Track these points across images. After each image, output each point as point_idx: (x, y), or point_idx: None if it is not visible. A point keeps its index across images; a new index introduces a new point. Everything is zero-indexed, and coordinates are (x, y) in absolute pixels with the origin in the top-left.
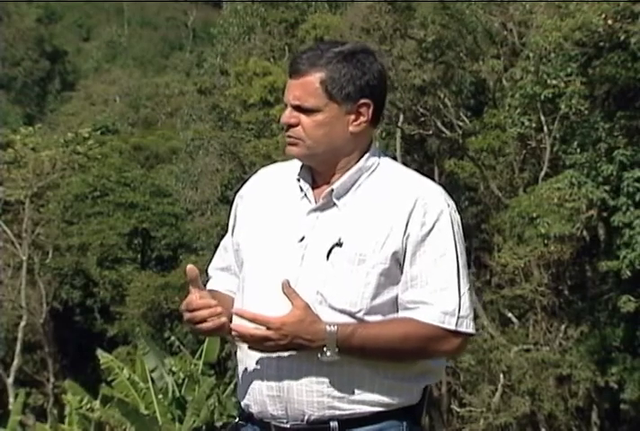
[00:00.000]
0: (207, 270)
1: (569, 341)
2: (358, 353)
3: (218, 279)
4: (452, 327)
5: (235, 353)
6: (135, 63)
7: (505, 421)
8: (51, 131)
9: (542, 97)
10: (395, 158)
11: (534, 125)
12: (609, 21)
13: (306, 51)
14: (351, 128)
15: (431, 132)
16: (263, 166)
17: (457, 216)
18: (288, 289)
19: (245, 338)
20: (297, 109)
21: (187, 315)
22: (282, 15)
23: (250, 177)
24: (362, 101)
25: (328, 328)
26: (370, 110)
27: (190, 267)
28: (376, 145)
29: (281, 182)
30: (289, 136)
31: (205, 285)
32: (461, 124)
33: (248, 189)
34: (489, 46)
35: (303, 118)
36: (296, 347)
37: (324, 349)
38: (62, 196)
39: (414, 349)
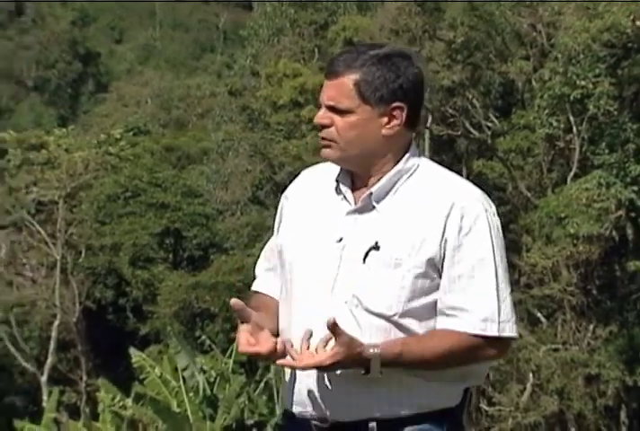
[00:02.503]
0: (239, 290)
1: (598, 341)
2: (403, 367)
3: (264, 280)
4: (494, 333)
5: None
6: (167, 65)
7: (534, 420)
8: (84, 132)
9: (571, 98)
10: None
11: (562, 125)
12: (638, 23)
13: (344, 53)
14: (383, 131)
15: (459, 133)
16: (293, 167)
17: (495, 220)
18: (333, 326)
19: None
20: (331, 109)
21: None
22: (312, 17)
23: (295, 177)
24: (395, 104)
25: (372, 351)
26: (404, 114)
27: (233, 301)
28: (415, 147)
29: (324, 184)
30: (323, 139)
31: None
32: (490, 125)
33: (293, 189)
34: (518, 47)
35: (336, 119)
36: (345, 369)
37: (370, 371)
38: (95, 196)
39: (459, 360)
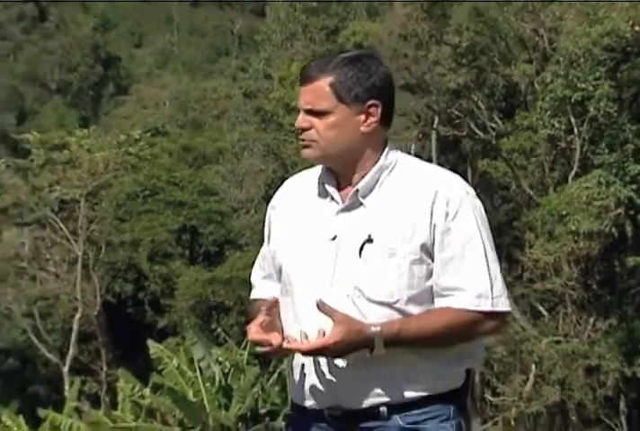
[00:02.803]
0: (250, 277)
1: (598, 333)
2: (404, 346)
3: (263, 288)
4: (488, 308)
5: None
6: (184, 68)
7: (536, 410)
8: (105, 133)
9: (572, 100)
10: (430, 158)
11: (564, 127)
12: (637, 28)
13: (315, 60)
14: (362, 129)
15: (464, 133)
16: (304, 166)
17: (478, 202)
18: (323, 307)
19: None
20: (310, 112)
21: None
22: (323, 22)
23: (278, 188)
24: (370, 101)
25: (373, 329)
26: (379, 110)
27: (255, 293)
28: (389, 144)
29: (308, 188)
30: (303, 140)
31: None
32: (494, 126)
33: (278, 199)
34: (521, 51)
35: (315, 121)
36: (350, 352)
37: (374, 351)
38: (115, 195)
39: (458, 335)
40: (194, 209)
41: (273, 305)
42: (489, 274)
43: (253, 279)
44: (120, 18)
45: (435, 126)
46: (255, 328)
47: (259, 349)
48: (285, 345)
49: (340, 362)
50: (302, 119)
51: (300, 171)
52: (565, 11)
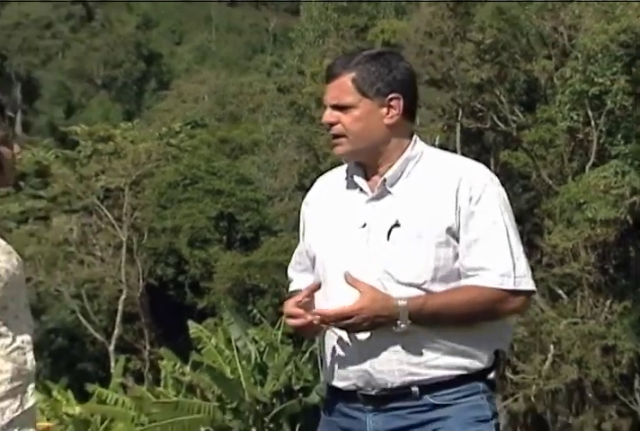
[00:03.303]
0: (287, 268)
1: (614, 315)
2: (429, 322)
3: (300, 281)
4: (511, 287)
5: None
6: (222, 64)
7: (555, 387)
8: (148, 126)
9: (589, 94)
10: (455, 149)
11: (582, 119)
12: None
13: (339, 58)
14: (385, 121)
15: (487, 126)
16: (335, 157)
17: (500, 188)
18: (350, 278)
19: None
20: (336, 108)
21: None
22: (353, 21)
23: (311, 186)
24: (392, 95)
25: (400, 302)
26: (401, 103)
27: (305, 288)
28: (416, 137)
29: (338, 182)
30: (334, 136)
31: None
32: (515, 118)
33: (311, 195)
34: (541, 47)
35: (341, 115)
36: (377, 324)
37: (398, 322)
38: (157, 183)
39: (482, 312)
40: (231, 197)
41: (315, 287)
42: (512, 255)
43: (290, 274)
44: (161, 17)
45: (459, 118)
46: (293, 302)
47: (291, 321)
48: (313, 311)
49: (362, 335)
50: (329, 114)
51: (331, 161)
52: (584, 9)
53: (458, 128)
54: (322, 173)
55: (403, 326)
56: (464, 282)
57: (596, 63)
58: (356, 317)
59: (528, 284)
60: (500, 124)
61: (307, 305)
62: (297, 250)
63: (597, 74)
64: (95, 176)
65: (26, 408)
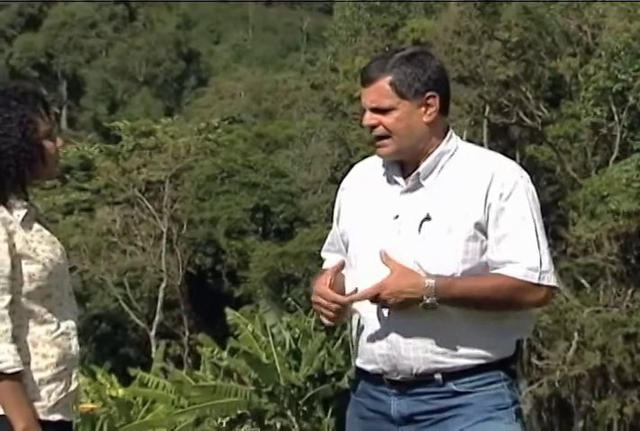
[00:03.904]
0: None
1: (635, 304)
2: (454, 301)
3: (332, 261)
4: (535, 280)
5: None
6: (258, 62)
7: (579, 373)
8: (187, 121)
9: (613, 90)
10: (482, 144)
11: (605, 114)
12: None
13: (373, 61)
14: (424, 119)
15: (513, 121)
16: (367, 151)
17: (530, 186)
18: (384, 256)
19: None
20: (376, 111)
21: (313, 297)
22: (384, 20)
23: (348, 172)
24: (429, 93)
25: (427, 279)
26: (437, 101)
27: (332, 264)
28: (452, 132)
29: (374, 172)
30: (377, 138)
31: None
32: (540, 114)
33: (347, 181)
34: (566, 45)
35: (382, 118)
36: (405, 300)
37: (424, 297)
38: (196, 176)
39: (505, 299)
40: (267, 190)
41: (340, 266)
42: (539, 250)
43: (323, 254)
44: (200, 17)
45: (486, 114)
46: (323, 279)
47: (323, 320)
48: (339, 298)
49: (385, 311)
50: (369, 117)
51: (362, 154)
52: (607, 8)
53: (485, 124)
54: (353, 167)
55: (428, 301)
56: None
57: (619, 60)
58: (384, 292)
59: (550, 280)
60: (525, 119)
61: (337, 287)
62: (330, 232)
63: (620, 71)
64: (137, 169)
65: (70, 390)
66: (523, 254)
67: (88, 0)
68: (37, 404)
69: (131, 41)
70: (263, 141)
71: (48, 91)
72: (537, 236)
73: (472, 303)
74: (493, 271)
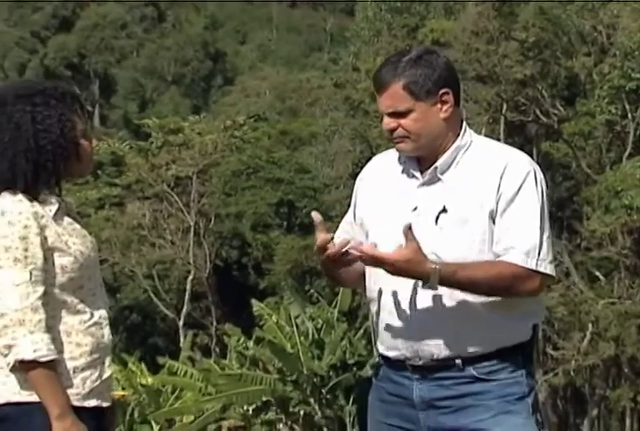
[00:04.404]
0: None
1: None
2: (456, 287)
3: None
4: (532, 267)
5: (367, 305)
6: (282, 62)
7: (593, 363)
8: (214, 119)
9: (627, 88)
10: (499, 140)
11: (619, 112)
12: None
13: (382, 68)
14: (442, 115)
15: (530, 119)
16: (387, 148)
17: (540, 177)
18: (406, 232)
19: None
20: (393, 115)
21: (321, 256)
22: (405, 21)
23: (367, 163)
24: (442, 91)
25: (432, 266)
26: (451, 96)
27: (314, 213)
28: (465, 126)
29: (393, 165)
30: (395, 138)
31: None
32: (556, 112)
33: (366, 172)
34: (581, 45)
35: (401, 121)
36: (406, 276)
37: (428, 282)
38: (222, 172)
39: (504, 286)
40: (291, 185)
41: (345, 243)
42: (540, 239)
43: (335, 240)
44: (226, 18)
45: (504, 112)
46: (321, 236)
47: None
48: (354, 245)
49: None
50: (388, 121)
51: (383, 151)
52: (622, 9)
53: (503, 121)
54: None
55: (430, 286)
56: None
57: (633, 59)
58: (389, 266)
59: (546, 268)
60: (542, 117)
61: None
62: (344, 220)
63: (634, 70)
64: (166, 165)
65: (104, 378)
66: (522, 240)
67: (119, 0)
68: (71, 391)
69: (160, 42)
70: (287, 138)
71: (80, 89)
72: (541, 226)
73: (471, 289)
74: (496, 258)
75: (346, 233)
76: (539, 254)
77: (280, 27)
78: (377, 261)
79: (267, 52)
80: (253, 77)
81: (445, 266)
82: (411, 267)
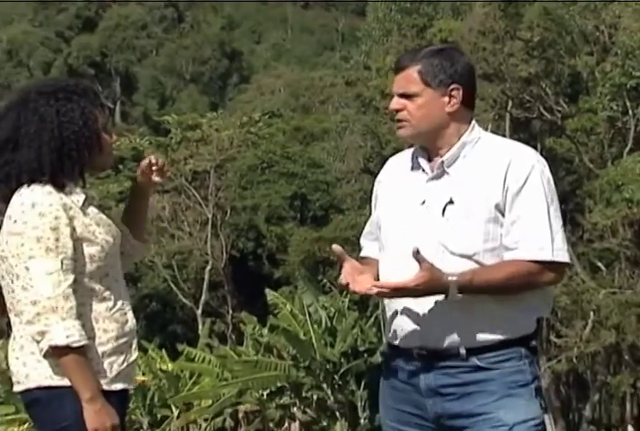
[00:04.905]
0: (353, 243)
1: None
2: (476, 293)
3: (370, 248)
4: (548, 258)
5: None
6: (295, 60)
7: (594, 350)
8: (230, 116)
9: (628, 86)
10: (504, 136)
11: (621, 109)
12: None
13: (407, 53)
14: (446, 109)
15: (534, 115)
16: (397, 143)
17: (546, 170)
18: (416, 255)
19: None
20: (402, 96)
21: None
22: (414, 21)
23: (380, 162)
24: (453, 86)
25: (451, 279)
26: (461, 93)
27: (334, 246)
28: (474, 123)
29: (405, 163)
30: (398, 120)
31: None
32: (560, 109)
33: (383, 174)
34: (584, 44)
35: (407, 103)
36: (428, 294)
37: (449, 295)
38: (238, 167)
39: (522, 284)
40: (304, 179)
41: (342, 254)
42: (551, 230)
43: (362, 242)
44: (242, 19)
45: (509, 109)
46: (347, 270)
47: (353, 289)
48: (376, 283)
49: (417, 303)
50: (395, 102)
51: (393, 146)
52: (623, 10)
53: (508, 118)
54: (384, 157)
55: (452, 297)
56: (506, 254)
57: (634, 58)
58: (411, 290)
59: (564, 256)
60: (546, 114)
61: (358, 269)
62: (369, 222)
63: (634, 69)
64: (184, 160)
65: (130, 361)
66: (534, 234)
67: (140, 2)
68: (100, 376)
69: (179, 41)
70: (301, 134)
71: (102, 87)
72: (549, 217)
73: (491, 291)
74: (508, 252)
75: (371, 234)
76: (553, 245)
77: (294, 27)
78: (399, 291)
79: (281, 51)
80: (268, 75)
81: (461, 276)
82: (432, 286)
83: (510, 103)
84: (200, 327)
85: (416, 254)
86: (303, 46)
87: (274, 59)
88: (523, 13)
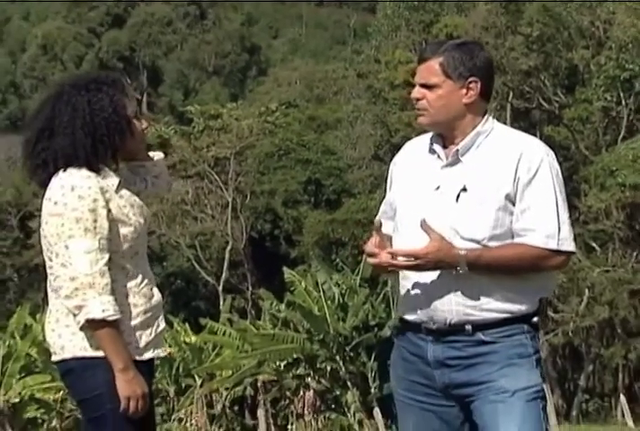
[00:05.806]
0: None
1: (639, 264)
2: (483, 270)
3: (386, 226)
4: (554, 247)
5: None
6: (310, 54)
7: (589, 324)
8: (249, 106)
9: (621, 78)
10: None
11: (614, 100)
12: None
13: (430, 44)
14: (464, 100)
15: (534, 105)
16: (405, 132)
17: (555, 163)
18: (424, 225)
19: (403, 269)
20: (423, 86)
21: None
22: (421, 17)
23: (400, 148)
24: (472, 78)
25: (460, 252)
26: (479, 86)
27: (377, 220)
28: (490, 115)
29: (421, 149)
30: (418, 109)
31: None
32: (557, 99)
33: (399, 157)
34: (580, 39)
35: (427, 93)
36: (439, 267)
37: (458, 268)
38: (257, 154)
39: (527, 266)
40: (318, 165)
41: (379, 228)
42: (558, 220)
43: (378, 218)
44: (261, 15)
45: (510, 99)
46: (371, 242)
47: (369, 260)
48: (388, 250)
49: (427, 278)
50: (417, 91)
51: (401, 135)
52: (617, 6)
53: (509, 108)
54: (393, 145)
55: (461, 271)
56: (516, 240)
57: (627, 52)
58: (422, 259)
59: (569, 246)
60: (544, 104)
61: (384, 246)
62: (384, 201)
63: (628, 62)
64: (206, 147)
65: (158, 331)
66: (543, 223)
67: (165, 1)
68: (131, 347)
69: (202, 37)
70: (315, 123)
71: (131, 80)
72: (557, 208)
73: (497, 270)
74: (517, 238)
75: (386, 213)
76: (560, 234)
77: (309, 23)
78: (412, 257)
79: (297, 46)
80: (285, 68)
81: (470, 251)
82: (443, 255)
83: (511, 94)
84: (222, 303)
85: (424, 224)
86: (317, 41)
87: (290, 53)
88: (523, 9)
